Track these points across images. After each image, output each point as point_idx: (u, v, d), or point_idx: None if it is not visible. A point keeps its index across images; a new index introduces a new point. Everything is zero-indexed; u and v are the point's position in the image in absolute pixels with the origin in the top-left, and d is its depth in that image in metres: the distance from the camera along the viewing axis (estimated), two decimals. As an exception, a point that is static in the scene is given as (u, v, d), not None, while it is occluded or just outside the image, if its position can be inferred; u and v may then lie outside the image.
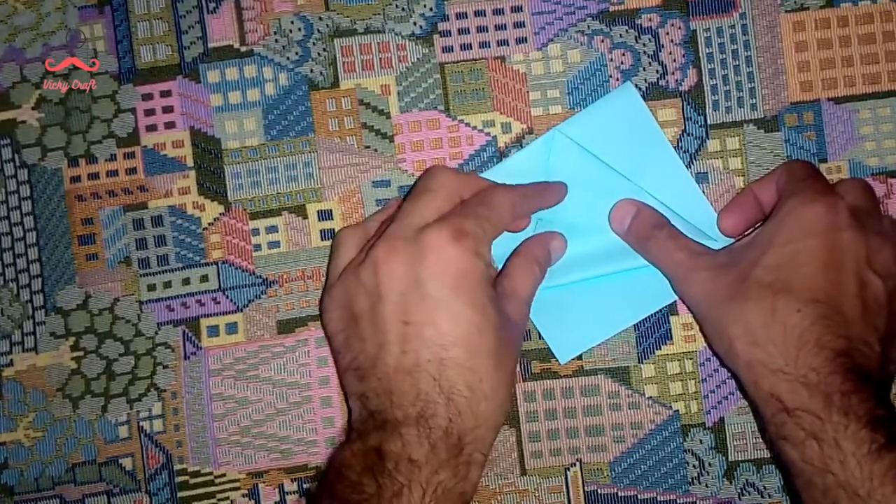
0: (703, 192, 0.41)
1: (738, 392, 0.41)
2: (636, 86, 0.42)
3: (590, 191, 0.41)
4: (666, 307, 0.41)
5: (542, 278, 0.39)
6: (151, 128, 0.43)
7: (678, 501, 0.41)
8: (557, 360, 0.41)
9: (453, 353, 0.33)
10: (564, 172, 0.41)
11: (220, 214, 0.42)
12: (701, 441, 0.42)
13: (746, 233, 0.40)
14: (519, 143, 0.42)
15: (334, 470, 0.33)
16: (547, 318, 0.41)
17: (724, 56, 0.42)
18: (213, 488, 0.42)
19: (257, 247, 0.42)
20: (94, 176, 0.42)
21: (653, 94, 0.42)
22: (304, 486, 0.42)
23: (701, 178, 0.42)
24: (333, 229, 0.42)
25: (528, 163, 0.41)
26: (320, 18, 0.42)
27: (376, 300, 0.34)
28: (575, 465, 0.42)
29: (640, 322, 0.41)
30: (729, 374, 0.41)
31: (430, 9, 0.42)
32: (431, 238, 0.34)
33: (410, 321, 0.34)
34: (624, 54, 0.42)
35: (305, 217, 0.42)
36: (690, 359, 0.42)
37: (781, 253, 0.35)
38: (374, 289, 0.34)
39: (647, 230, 0.39)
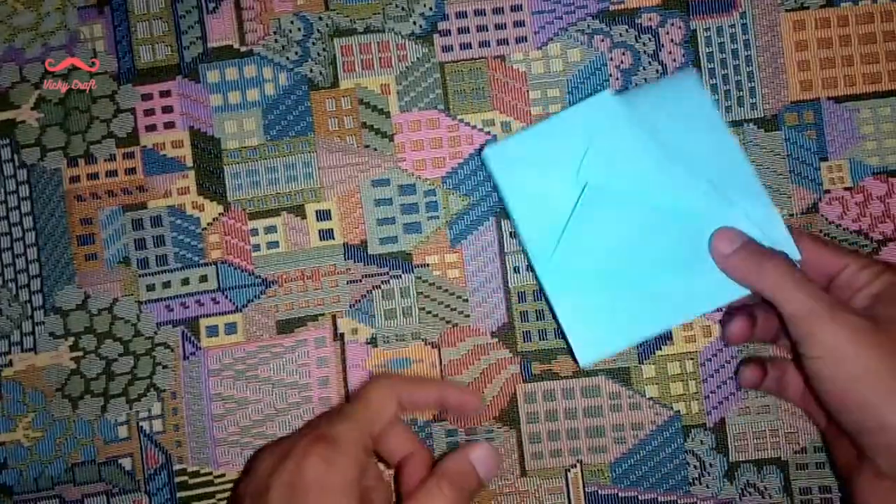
0: None
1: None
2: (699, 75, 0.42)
3: (632, 164, 0.39)
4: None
5: (459, 501, 0.35)
6: (151, 128, 0.43)
7: (679, 502, 0.41)
8: (576, 362, 0.39)
9: None
10: (604, 140, 0.39)
11: (220, 214, 0.42)
12: (702, 442, 0.41)
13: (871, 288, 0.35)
14: (519, 142, 0.42)
15: None
16: (575, 318, 0.39)
17: (725, 55, 0.42)
18: (212, 488, 0.42)
19: (256, 247, 0.42)
20: (93, 176, 0.42)
21: (653, 93, 0.42)
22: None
23: (701, 177, 0.42)
24: (332, 230, 0.42)
25: (571, 123, 0.39)
26: (320, 18, 0.42)
27: (266, 488, 0.34)
28: (575, 466, 0.42)
29: (640, 322, 0.41)
30: (730, 375, 0.41)
31: (430, 8, 0.42)
32: (296, 444, 0.35)
33: None
34: (624, 53, 0.42)
35: (304, 217, 0.42)
36: (691, 359, 0.41)
37: None
38: (284, 479, 0.35)
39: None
